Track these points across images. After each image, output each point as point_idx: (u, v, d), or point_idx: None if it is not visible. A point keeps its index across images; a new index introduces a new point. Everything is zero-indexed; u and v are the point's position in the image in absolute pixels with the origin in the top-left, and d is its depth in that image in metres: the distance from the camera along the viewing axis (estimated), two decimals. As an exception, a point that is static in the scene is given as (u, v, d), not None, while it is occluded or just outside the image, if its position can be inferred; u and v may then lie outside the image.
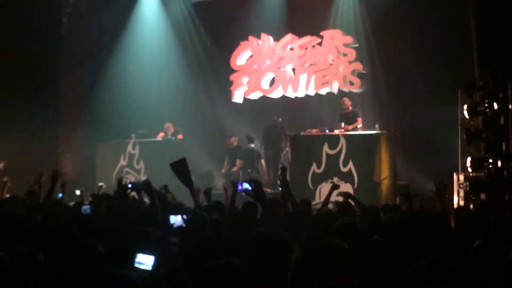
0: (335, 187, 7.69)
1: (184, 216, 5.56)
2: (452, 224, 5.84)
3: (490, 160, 9.61)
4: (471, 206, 9.65)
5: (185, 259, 4.50)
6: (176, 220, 5.61)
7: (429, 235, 4.91)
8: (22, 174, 11.75)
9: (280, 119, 14.13)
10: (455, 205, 10.48)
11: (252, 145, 14.14)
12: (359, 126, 13.09)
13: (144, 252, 3.91)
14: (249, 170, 13.79)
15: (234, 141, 14.53)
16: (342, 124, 13.13)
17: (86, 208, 6.99)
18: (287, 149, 13.73)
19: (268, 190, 12.87)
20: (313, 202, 11.75)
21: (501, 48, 10.35)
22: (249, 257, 3.35)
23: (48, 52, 15.00)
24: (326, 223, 5.58)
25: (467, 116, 10.05)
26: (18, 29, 14.07)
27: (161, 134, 14.68)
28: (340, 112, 13.51)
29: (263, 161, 14.05)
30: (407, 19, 13.40)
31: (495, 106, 9.64)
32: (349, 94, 13.99)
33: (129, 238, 4.35)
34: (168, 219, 5.45)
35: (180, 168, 6.00)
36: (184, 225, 5.48)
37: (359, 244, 4.37)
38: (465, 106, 10.05)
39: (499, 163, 9.54)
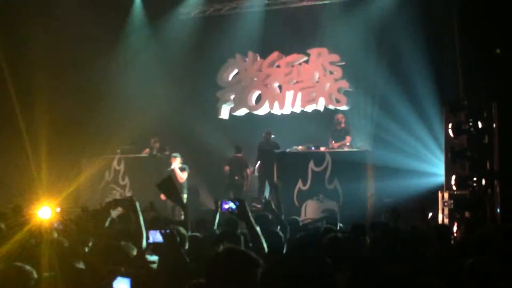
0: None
1: (162, 231, 5.53)
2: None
3: (474, 179, 9.67)
4: (455, 224, 9.69)
5: (165, 278, 4.47)
6: (155, 236, 5.57)
7: (413, 253, 4.93)
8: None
9: (271, 135, 14.13)
10: (440, 223, 10.50)
11: (240, 155, 14.23)
12: (347, 144, 13.15)
13: (121, 276, 3.87)
14: (236, 178, 14.06)
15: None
16: (332, 142, 13.18)
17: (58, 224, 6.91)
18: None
19: (258, 206, 12.94)
20: (299, 219, 11.77)
21: (485, 68, 10.44)
22: (215, 275, 3.32)
23: (32, 62, 14.91)
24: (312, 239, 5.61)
25: (451, 135, 10.11)
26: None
27: (147, 150, 14.63)
28: (332, 128, 13.55)
29: (249, 170, 14.21)
30: (393, 38, 13.48)
31: (480, 125, 9.72)
32: (335, 112, 14.05)
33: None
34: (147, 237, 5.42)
35: (167, 187, 5.99)
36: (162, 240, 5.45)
37: (343, 259, 4.39)
38: (450, 125, 10.12)
39: (483, 182, 9.60)
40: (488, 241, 4.80)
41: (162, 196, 12.73)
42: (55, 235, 6.09)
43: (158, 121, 15.43)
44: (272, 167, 13.82)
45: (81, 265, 4.44)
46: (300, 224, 8.61)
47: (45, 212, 9.46)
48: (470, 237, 5.28)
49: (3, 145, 14.05)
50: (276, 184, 9.50)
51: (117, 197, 12.80)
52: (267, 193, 13.74)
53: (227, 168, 14.27)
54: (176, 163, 13.46)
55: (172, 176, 6.15)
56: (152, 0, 16.38)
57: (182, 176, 13.24)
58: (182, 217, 7.44)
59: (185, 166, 13.55)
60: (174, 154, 13.69)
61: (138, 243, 5.36)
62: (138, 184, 14.04)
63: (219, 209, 6.69)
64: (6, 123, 14.08)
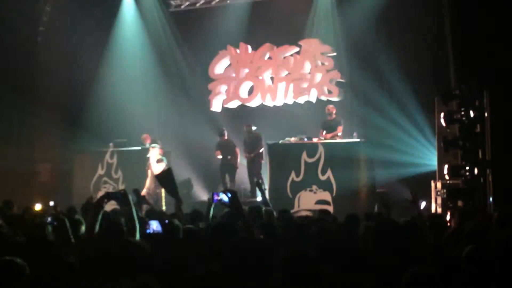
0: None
1: (164, 221, 5.54)
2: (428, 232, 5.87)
3: (467, 168, 9.69)
4: (448, 213, 9.72)
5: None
6: (153, 226, 5.57)
7: (407, 243, 4.94)
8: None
9: (251, 127, 14.11)
10: (433, 212, 10.54)
11: (225, 137, 14.54)
12: (339, 134, 13.15)
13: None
14: (229, 157, 14.30)
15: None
16: (324, 132, 13.19)
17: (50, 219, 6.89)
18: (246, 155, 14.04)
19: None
20: (292, 210, 11.80)
21: (477, 57, 10.46)
22: (232, 264, 3.33)
23: (24, 60, 14.89)
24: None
25: (444, 124, 10.13)
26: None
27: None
28: (323, 119, 13.55)
29: (237, 149, 14.41)
30: (384, 28, 13.48)
31: (471, 114, 9.74)
32: (328, 103, 14.05)
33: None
34: (144, 228, 5.43)
35: (166, 178, 5.99)
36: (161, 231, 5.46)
37: (337, 251, 4.40)
38: (442, 114, 10.14)
39: (476, 171, 9.63)
40: (483, 229, 4.83)
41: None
42: (49, 230, 6.07)
43: (149, 114, 15.42)
44: (254, 157, 13.84)
45: (71, 260, 4.42)
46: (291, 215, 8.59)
47: (37, 206, 9.46)
48: (464, 226, 5.30)
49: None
50: (258, 183, 9.45)
51: (110, 190, 12.78)
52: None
53: (218, 152, 14.32)
54: (153, 154, 13.43)
55: (170, 168, 6.15)
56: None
57: (157, 168, 13.16)
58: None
59: (163, 158, 13.52)
60: (152, 144, 13.69)
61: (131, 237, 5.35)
62: (131, 177, 14.01)
63: (212, 201, 6.69)
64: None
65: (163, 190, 12.52)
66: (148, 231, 5.46)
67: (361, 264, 4.26)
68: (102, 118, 15.27)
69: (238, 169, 14.41)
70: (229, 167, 14.33)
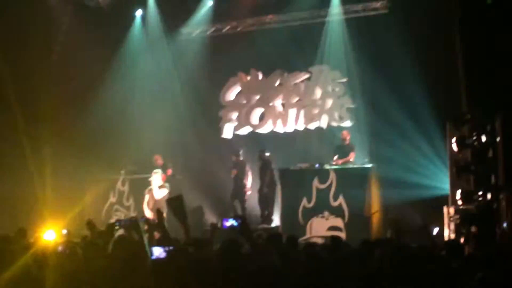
0: None
1: (166, 248, 5.54)
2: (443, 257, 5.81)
3: (480, 193, 9.62)
4: (462, 239, 9.62)
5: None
6: (158, 252, 5.58)
7: (419, 269, 4.88)
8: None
9: (265, 153, 14.12)
10: (446, 238, 10.45)
11: (241, 158, 14.51)
12: (351, 160, 13.12)
13: None
14: (244, 181, 14.41)
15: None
16: (335, 157, 13.14)
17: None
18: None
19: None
20: (303, 238, 11.74)
21: (488, 81, 10.44)
22: None
23: (38, 77, 14.92)
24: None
25: (455, 149, 10.08)
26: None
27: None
28: (336, 144, 13.52)
29: (249, 172, 14.47)
30: (394, 54, 13.49)
31: (483, 138, 9.69)
32: (339, 129, 14.03)
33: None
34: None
35: (176, 204, 5.98)
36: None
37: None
38: (454, 139, 10.10)
39: (489, 196, 9.55)
40: (498, 256, 4.76)
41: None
42: (60, 259, 6.04)
43: (161, 141, 15.43)
44: (263, 184, 13.82)
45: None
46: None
47: (50, 235, 9.45)
48: (480, 253, 5.24)
49: (8, 167, 14.02)
50: (240, 216, 9.39)
51: (122, 218, 12.78)
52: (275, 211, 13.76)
53: (235, 172, 14.35)
54: (156, 179, 13.39)
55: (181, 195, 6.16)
56: (153, 20, 16.43)
57: (159, 193, 13.10)
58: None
59: (166, 184, 13.47)
60: (155, 170, 13.65)
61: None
62: (142, 205, 14.01)
63: (219, 227, 6.68)
64: (11, 145, 14.06)
65: (164, 216, 12.48)
66: (152, 257, 5.47)
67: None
68: (115, 144, 15.27)
69: (248, 192, 14.36)
70: (240, 189, 14.30)
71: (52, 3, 15.33)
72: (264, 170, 14.01)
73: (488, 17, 10.48)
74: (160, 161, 14.52)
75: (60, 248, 6.52)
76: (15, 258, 6.15)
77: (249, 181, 14.45)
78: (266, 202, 13.95)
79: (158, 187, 13.32)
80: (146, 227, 7.07)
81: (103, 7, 15.75)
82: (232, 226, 5.21)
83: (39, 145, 14.90)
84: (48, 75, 15.31)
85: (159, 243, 6.67)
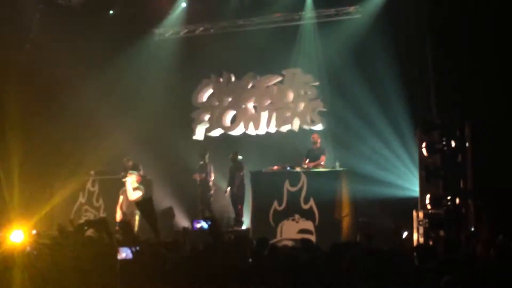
0: None
1: (133, 248, 5.52)
2: (414, 260, 5.85)
3: (449, 198, 9.73)
4: (430, 243, 9.72)
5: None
6: (125, 252, 5.56)
7: (390, 273, 4.90)
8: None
9: (237, 156, 14.12)
10: (415, 242, 10.53)
11: (207, 161, 14.69)
12: (322, 163, 13.15)
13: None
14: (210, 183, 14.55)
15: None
16: (307, 160, 13.17)
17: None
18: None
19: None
20: (274, 240, 11.74)
21: (458, 87, 10.58)
22: None
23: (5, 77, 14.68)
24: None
25: (425, 154, 10.18)
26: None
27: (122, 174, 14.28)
28: (307, 147, 13.56)
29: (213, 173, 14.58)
30: (367, 58, 13.60)
31: (453, 144, 9.81)
32: (311, 132, 14.09)
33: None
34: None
35: (146, 207, 5.96)
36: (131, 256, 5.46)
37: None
38: (424, 144, 10.20)
39: (457, 201, 9.67)
40: (465, 260, 4.82)
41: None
42: (29, 260, 5.95)
43: (132, 141, 15.31)
44: (232, 186, 13.84)
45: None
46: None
47: (17, 235, 9.30)
48: (448, 257, 5.30)
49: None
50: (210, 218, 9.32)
51: (91, 218, 12.64)
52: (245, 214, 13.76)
53: (201, 175, 14.51)
54: (130, 180, 13.29)
55: (151, 198, 6.13)
56: (125, 20, 16.27)
57: (133, 195, 13.01)
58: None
59: (140, 186, 13.37)
60: (130, 171, 13.56)
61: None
62: (112, 206, 13.87)
63: (190, 228, 6.68)
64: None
65: (137, 217, 12.42)
66: (119, 257, 5.45)
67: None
68: (84, 144, 15.10)
69: (212, 193, 14.43)
70: (207, 192, 14.33)
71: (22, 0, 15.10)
72: (234, 172, 14.01)
73: (459, 24, 10.62)
74: (130, 162, 14.41)
75: (28, 248, 6.43)
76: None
77: (213, 183, 14.53)
78: (235, 204, 13.95)
79: (132, 189, 13.18)
80: (116, 228, 7.03)
81: (75, 6, 15.57)
82: (202, 228, 5.20)
83: (6, 146, 14.66)
84: (17, 75, 15.06)
85: (125, 244, 6.63)
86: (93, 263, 5.32)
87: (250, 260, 5.85)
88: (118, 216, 12.94)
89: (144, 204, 6.93)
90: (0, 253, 6.70)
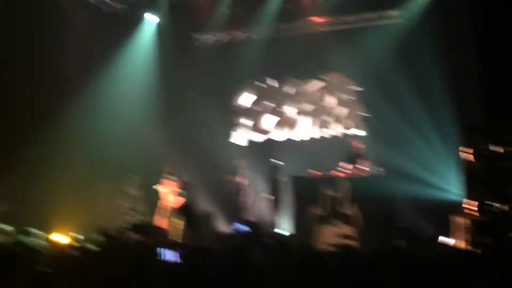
0: None
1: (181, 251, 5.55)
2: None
3: (496, 204, 9.53)
4: (477, 251, 9.52)
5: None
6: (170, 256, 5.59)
7: (431, 278, 4.83)
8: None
9: (276, 161, 14.10)
10: (454, 247, 10.34)
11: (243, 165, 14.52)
12: (365, 169, 13.03)
13: None
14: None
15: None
16: (349, 165, 13.06)
17: None
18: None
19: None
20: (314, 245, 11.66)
21: (505, 91, 10.38)
22: None
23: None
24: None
25: (471, 159, 10.01)
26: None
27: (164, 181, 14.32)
28: (349, 152, 13.46)
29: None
30: (410, 63, 13.47)
31: (500, 149, 9.62)
32: (352, 137, 13.98)
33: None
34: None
35: (188, 212, 6.02)
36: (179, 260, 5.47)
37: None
38: (469, 149, 10.03)
39: (504, 207, 9.47)
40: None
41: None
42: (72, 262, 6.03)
43: (174, 146, 15.41)
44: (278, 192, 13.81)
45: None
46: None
47: (60, 238, 9.45)
48: (495, 263, 5.19)
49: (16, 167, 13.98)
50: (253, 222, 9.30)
51: (135, 222, 12.75)
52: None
53: (239, 178, 14.42)
54: (169, 186, 13.29)
55: (192, 202, 6.18)
56: (166, 27, 16.43)
57: (175, 201, 13.01)
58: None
59: (182, 191, 13.40)
60: (170, 177, 13.58)
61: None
62: (154, 211, 13.98)
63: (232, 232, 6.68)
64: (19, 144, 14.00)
65: (180, 222, 12.48)
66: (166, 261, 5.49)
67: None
68: (124, 148, 15.19)
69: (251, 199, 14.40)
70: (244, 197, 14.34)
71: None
72: (274, 176, 13.98)
73: (506, 26, 10.42)
74: (170, 168, 14.43)
75: (73, 251, 6.51)
76: (24, 261, 6.14)
77: (249, 188, 14.46)
78: (275, 209, 13.92)
79: (173, 194, 13.27)
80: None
81: (116, 12, 15.77)
82: (245, 232, 5.20)
83: (50, 147, 14.86)
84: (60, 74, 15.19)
85: (172, 247, 6.66)
86: (138, 267, 5.36)
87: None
88: (162, 221, 13.02)
89: (186, 209, 6.98)
90: (50, 256, 6.79)
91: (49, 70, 14.50)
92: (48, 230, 11.30)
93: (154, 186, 13.46)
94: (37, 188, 13.91)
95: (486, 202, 9.73)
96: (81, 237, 9.68)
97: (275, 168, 14.07)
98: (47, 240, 8.91)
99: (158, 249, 5.63)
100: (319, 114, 14.92)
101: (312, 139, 14.93)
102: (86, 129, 15.12)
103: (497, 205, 9.46)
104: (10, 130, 13.32)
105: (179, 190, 13.63)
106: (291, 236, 12.74)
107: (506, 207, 9.43)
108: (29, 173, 13.87)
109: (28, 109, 13.68)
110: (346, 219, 12.25)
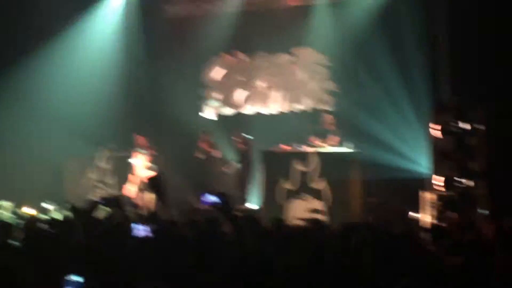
0: None
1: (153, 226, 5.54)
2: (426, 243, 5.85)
3: (462, 180, 9.70)
4: (443, 225, 9.70)
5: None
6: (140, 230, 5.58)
7: (404, 256, 4.90)
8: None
9: (245, 135, 14.09)
10: (424, 224, 10.52)
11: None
12: (334, 143, 13.10)
13: None
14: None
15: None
16: (318, 140, 13.12)
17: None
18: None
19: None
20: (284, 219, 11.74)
21: (472, 68, 10.49)
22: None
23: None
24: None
25: (439, 136, 10.14)
26: None
27: (135, 154, 14.22)
28: (318, 127, 13.51)
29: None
30: (379, 37, 13.50)
31: (467, 126, 9.76)
32: (322, 112, 14.04)
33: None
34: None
35: (157, 184, 6.01)
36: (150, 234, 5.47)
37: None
38: (437, 126, 10.15)
39: (471, 183, 9.65)
40: (478, 241, 4.82)
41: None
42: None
43: (142, 118, 15.32)
44: (247, 165, 13.83)
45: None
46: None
47: (29, 210, 9.37)
48: (461, 238, 5.30)
49: None
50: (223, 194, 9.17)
51: (104, 195, 12.69)
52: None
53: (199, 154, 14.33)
54: (140, 159, 13.22)
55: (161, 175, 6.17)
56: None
57: (145, 174, 12.98)
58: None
59: (152, 164, 13.34)
60: (140, 150, 13.52)
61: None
62: (123, 183, 13.92)
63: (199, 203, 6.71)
64: None
65: (151, 196, 12.43)
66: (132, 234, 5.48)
67: (357, 277, 4.23)
68: (91, 120, 15.06)
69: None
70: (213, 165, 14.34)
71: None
72: (243, 150, 14.00)
73: (475, 2, 10.51)
74: (141, 140, 14.34)
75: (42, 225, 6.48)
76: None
77: (220, 160, 14.46)
78: (243, 182, 13.96)
79: (144, 168, 13.21)
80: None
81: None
82: (214, 203, 5.23)
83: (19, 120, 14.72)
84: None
85: (143, 222, 6.66)
86: (106, 242, 5.35)
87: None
88: (133, 193, 12.98)
89: (155, 181, 6.97)
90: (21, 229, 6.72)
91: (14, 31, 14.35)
92: (17, 203, 11.24)
93: (129, 160, 13.38)
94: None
95: (453, 177, 9.90)
96: (51, 207, 9.64)
97: (245, 142, 14.09)
98: (16, 213, 8.85)
99: (128, 223, 5.61)
100: (290, 88, 14.93)
101: (283, 114, 14.94)
102: (52, 98, 14.99)
103: (463, 181, 9.63)
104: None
105: (150, 163, 13.57)
106: (260, 210, 12.84)
107: (471, 183, 9.60)
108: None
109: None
110: (316, 194, 12.37)
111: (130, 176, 13.62)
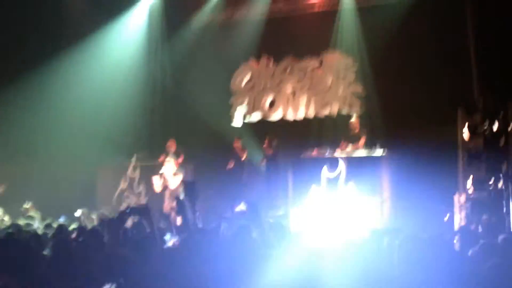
0: None
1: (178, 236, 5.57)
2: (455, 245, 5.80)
3: (491, 181, 9.57)
4: (472, 227, 9.58)
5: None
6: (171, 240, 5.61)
7: (432, 258, 4.85)
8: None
9: (273, 141, 14.04)
10: (456, 226, 10.41)
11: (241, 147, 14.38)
12: (361, 148, 13.02)
13: None
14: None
15: None
16: (345, 145, 13.04)
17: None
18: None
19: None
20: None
21: (500, 67, 10.37)
22: None
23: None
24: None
25: (467, 137, 10.03)
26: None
27: (162, 157, 14.30)
28: (345, 132, 13.43)
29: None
30: (407, 40, 13.44)
31: (495, 126, 9.63)
32: (349, 116, 13.97)
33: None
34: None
35: (191, 188, 6.05)
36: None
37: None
38: (465, 127, 10.04)
39: (500, 184, 9.50)
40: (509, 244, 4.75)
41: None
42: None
43: (172, 126, 15.42)
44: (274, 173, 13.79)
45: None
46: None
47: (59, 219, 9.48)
48: (492, 240, 5.23)
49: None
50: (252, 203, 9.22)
51: (132, 204, 12.79)
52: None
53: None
54: (168, 167, 13.30)
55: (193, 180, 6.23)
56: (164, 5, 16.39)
57: (174, 181, 13.03)
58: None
59: (180, 170, 13.39)
60: (167, 159, 13.61)
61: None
62: (153, 192, 14.01)
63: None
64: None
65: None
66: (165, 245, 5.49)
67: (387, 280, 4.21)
68: (124, 129, 15.23)
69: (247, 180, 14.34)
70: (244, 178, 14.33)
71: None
72: (270, 157, 13.96)
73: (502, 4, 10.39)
74: (173, 147, 14.31)
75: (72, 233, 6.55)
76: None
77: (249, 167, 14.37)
78: (271, 190, 13.93)
79: (172, 175, 13.28)
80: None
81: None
82: (242, 212, 5.21)
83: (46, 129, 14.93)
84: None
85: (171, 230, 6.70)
86: (138, 250, 5.39)
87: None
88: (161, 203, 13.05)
89: (190, 186, 7.00)
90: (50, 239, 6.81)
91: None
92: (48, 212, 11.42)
93: (161, 171, 13.47)
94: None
95: (482, 179, 9.78)
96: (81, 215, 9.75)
97: (273, 147, 14.07)
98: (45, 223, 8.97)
99: (156, 232, 5.64)
100: (315, 93, 14.91)
101: (307, 119, 14.91)
102: (84, 107, 15.22)
103: (492, 181, 9.50)
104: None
105: (180, 170, 13.64)
106: (289, 216, 12.82)
107: (500, 184, 9.46)
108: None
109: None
110: (344, 199, 12.31)
111: (158, 185, 13.70)
